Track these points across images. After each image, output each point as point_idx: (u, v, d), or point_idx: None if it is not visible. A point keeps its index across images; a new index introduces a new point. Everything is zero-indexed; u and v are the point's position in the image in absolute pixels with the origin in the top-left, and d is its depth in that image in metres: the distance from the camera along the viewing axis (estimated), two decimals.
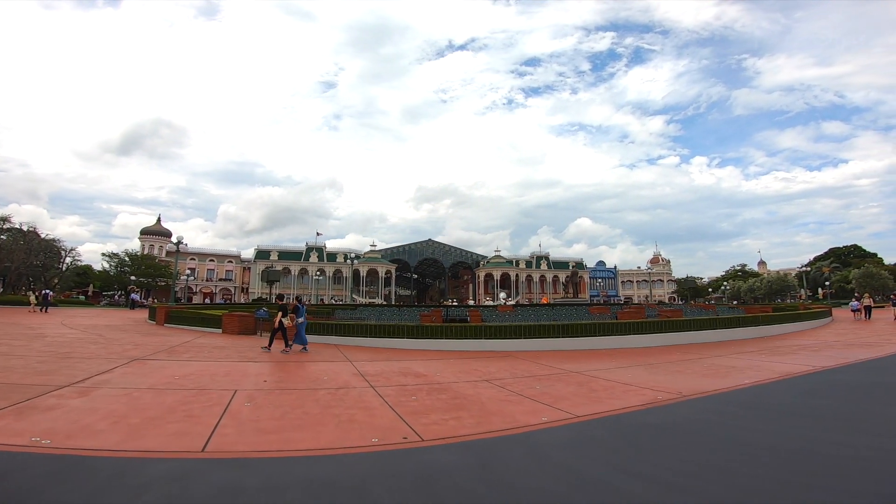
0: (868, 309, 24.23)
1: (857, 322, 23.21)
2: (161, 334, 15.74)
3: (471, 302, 74.07)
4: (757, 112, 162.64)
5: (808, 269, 47.44)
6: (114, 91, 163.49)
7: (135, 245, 76.97)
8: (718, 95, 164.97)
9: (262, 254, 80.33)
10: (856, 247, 78.48)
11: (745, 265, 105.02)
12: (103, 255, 65.75)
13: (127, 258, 65.73)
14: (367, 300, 64.16)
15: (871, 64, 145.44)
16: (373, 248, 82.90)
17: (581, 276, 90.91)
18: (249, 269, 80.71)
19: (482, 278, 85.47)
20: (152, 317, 22.20)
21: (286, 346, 11.91)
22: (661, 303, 70.73)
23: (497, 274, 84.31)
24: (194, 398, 6.17)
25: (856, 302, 24.74)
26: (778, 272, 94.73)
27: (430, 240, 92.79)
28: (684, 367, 9.98)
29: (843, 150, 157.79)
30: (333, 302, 67.53)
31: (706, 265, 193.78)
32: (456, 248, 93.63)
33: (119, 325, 19.12)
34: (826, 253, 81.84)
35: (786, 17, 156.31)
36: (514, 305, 38.73)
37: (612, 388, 7.68)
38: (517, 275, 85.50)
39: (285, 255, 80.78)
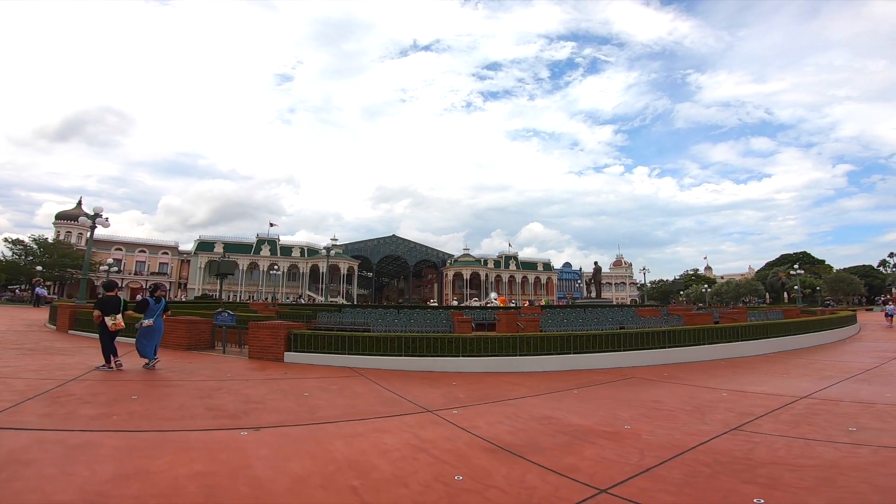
0: None
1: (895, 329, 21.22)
2: (57, 350, 9.84)
3: (454, 302, 69.28)
4: (695, 126, 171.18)
5: (800, 271, 47.09)
6: (61, 75, 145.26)
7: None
8: (663, 108, 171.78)
9: (204, 245, 70.78)
10: (805, 253, 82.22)
11: (698, 269, 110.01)
12: (6, 240, 54.26)
13: (35, 245, 54.69)
14: (329, 299, 57.54)
15: (801, 82, 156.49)
16: (335, 243, 75.89)
17: (550, 278, 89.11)
18: (189, 261, 71.02)
19: (450, 277, 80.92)
20: (53, 319, 15.67)
21: (106, 362, 7.59)
22: (634, 303, 69.93)
23: (467, 273, 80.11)
24: None
25: (892, 306, 22.78)
26: (722, 277, 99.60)
27: (393, 235, 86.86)
28: None
29: (768, 166, 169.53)
30: (301, 301, 60.42)
31: (639, 272, 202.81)
32: (421, 246, 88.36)
33: None
34: (778, 259, 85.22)
35: (730, 35, 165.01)
36: (542, 307, 34.58)
37: None
38: (486, 274, 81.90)
39: (232, 247, 71.63)
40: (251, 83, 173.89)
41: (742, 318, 17.32)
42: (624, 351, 10.01)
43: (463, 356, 9.21)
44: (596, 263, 38.82)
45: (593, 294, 42.19)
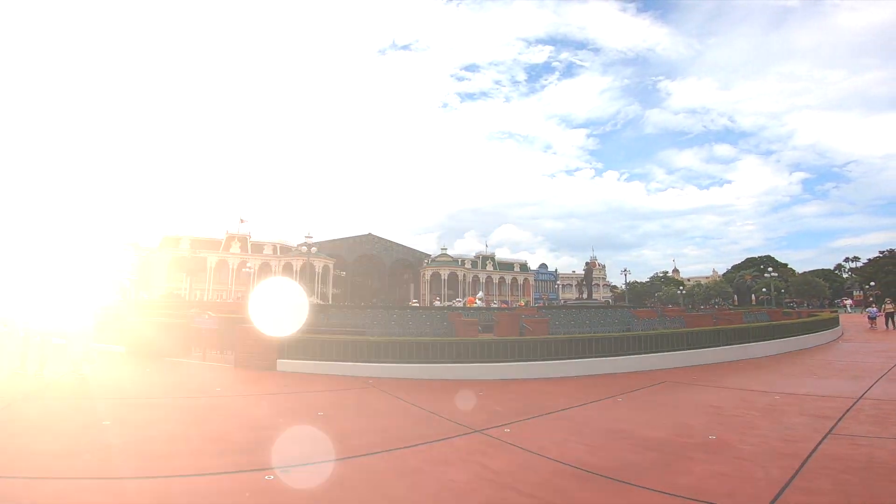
0: (890, 316, 22.75)
1: (878, 331, 21.61)
2: None
3: (436, 302, 68.36)
4: (663, 132, 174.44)
5: (774, 274, 48.50)
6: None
7: None
8: (634, 114, 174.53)
9: (169, 241, 67.20)
10: (769, 257, 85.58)
11: (667, 272, 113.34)
12: None
13: None
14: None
15: (764, 91, 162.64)
16: (309, 240, 73.52)
17: (527, 279, 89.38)
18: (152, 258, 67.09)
19: (428, 277, 79.86)
20: None
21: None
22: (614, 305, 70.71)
23: (444, 273, 79.20)
24: None
25: (874, 308, 23.32)
26: (689, 279, 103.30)
27: (369, 234, 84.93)
28: None
29: (729, 172, 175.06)
30: None
31: (609, 273, 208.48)
32: (398, 245, 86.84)
33: None
34: (744, 262, 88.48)
35: (700, 43, 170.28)
36: (538, 308, 34.00)
37: None
38: (464, 275, 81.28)
39: (200, 243, 68.30)
40: (223, 78, 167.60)
41: (738, 319, 17.28)
42: (645, 354, 9.49)
43: (482, 362, 8.40)
44: (587, 263, 38.98)
45: (585, 295, 42.21)
